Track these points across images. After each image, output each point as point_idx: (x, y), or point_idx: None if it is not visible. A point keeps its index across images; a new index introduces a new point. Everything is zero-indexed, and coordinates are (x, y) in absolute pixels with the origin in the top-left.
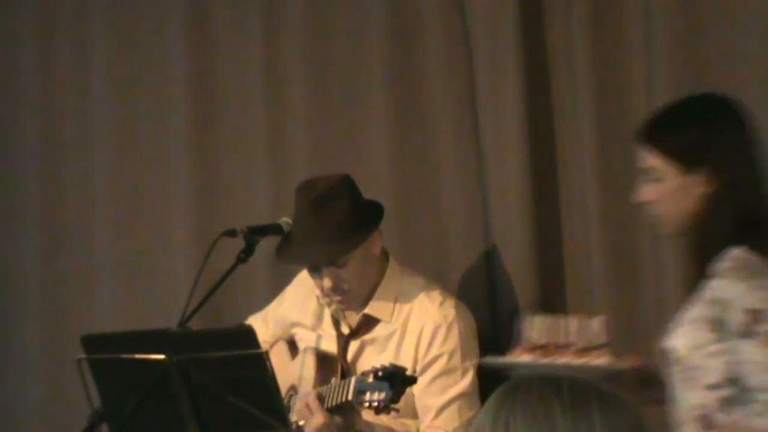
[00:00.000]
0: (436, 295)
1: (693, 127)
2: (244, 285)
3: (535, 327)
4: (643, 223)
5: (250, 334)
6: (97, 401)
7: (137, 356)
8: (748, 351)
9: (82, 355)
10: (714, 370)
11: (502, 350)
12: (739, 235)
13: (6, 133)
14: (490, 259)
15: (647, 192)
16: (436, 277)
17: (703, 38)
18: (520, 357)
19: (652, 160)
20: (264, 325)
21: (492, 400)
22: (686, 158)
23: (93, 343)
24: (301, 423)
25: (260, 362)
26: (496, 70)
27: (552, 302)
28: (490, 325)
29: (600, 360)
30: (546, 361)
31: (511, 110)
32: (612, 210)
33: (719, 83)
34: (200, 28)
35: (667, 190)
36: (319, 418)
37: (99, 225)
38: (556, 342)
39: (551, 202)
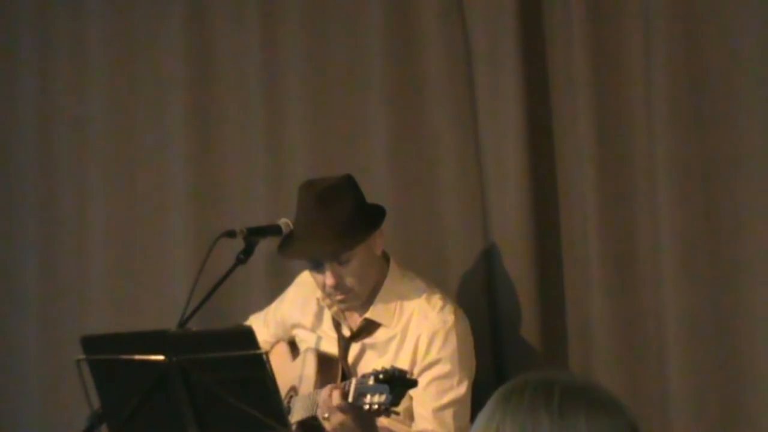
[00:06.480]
0: (437, 299)
1: None
2: (243, 286)
3: None
4: (642, 225)
5: (249, 335)
6: (96, 402)
7: (136, 357)
8: None
9: (82, 356)
10: None
11: (500, 354)
12: None
13: (3, 135)
14: (488, 260)
15: None
16: (434, 279)
17: (702, 38)
18: None
19: None
20: (264, 325)
21: (488, 404)
22: None
23: (92, 343)
24: (325, 416)
25: (260, 363)
26: (495, 70)
27: (550, 305)
28: (489, 328)
29: None
30: None
31: (510, 111)
32: (611, 212)
33: (717, 83)
34: (198, 27)
35: None
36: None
37: (97, 226)
38: None
39: (550, 204)
